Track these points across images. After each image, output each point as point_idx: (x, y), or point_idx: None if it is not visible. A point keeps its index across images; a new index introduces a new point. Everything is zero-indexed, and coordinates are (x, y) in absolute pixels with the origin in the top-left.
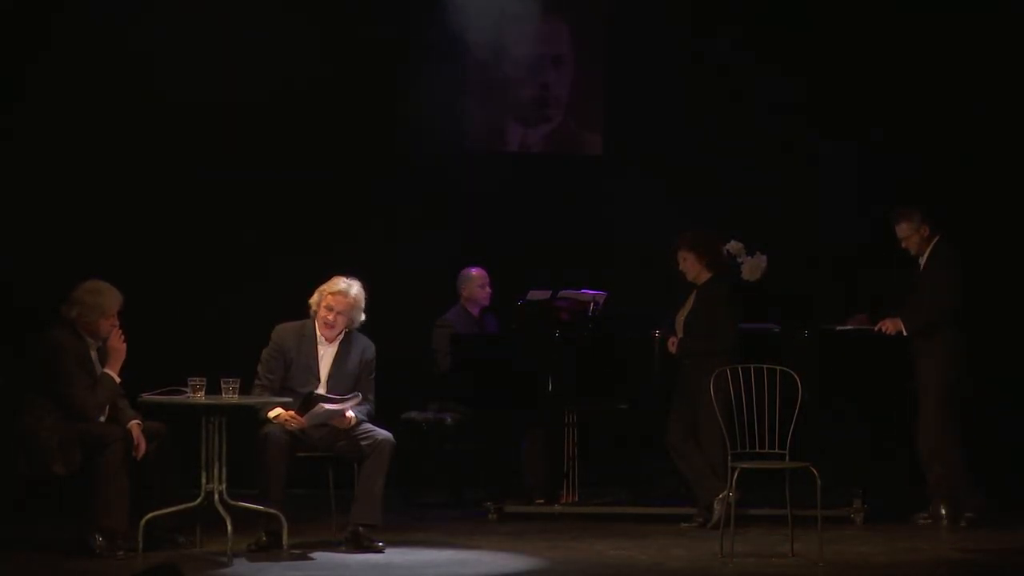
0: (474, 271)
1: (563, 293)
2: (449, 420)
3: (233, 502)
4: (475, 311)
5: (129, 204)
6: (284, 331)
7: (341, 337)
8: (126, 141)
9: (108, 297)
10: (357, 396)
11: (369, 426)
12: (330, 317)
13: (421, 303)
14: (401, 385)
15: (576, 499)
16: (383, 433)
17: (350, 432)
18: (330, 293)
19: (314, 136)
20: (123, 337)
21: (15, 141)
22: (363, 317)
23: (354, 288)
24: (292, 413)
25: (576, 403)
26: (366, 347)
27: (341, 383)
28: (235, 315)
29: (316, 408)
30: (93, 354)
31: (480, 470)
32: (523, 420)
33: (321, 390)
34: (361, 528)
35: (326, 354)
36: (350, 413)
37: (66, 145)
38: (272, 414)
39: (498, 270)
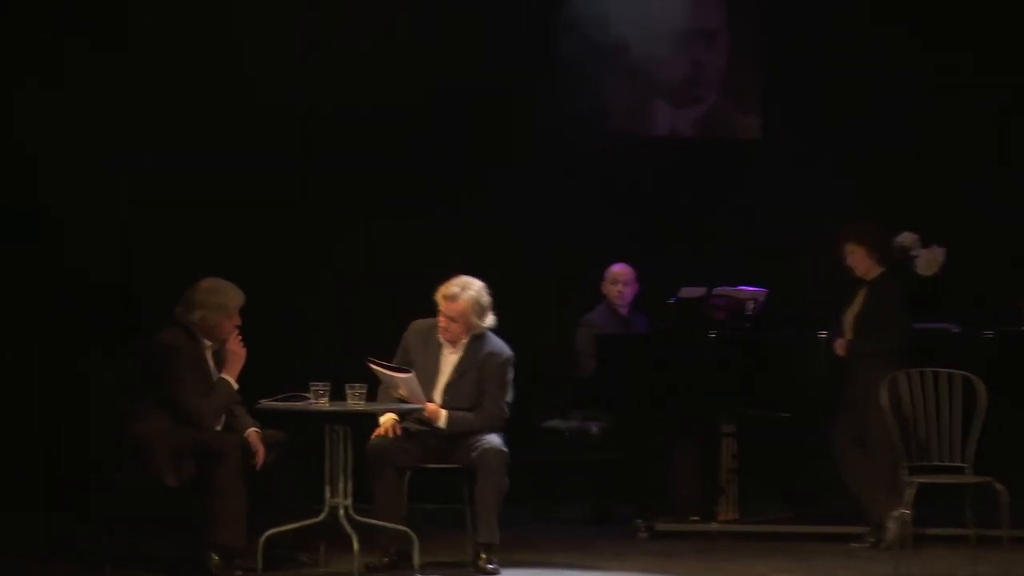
0: (615, 268)
1: (719, 290)
2: (594, 429)
3: (360, 518)
4: (622, 310)
5: (235, 197)
6: (415, 329)
7: (466, 341)
8: (226, 133)
9: (231, 296)
10: (410, 372)
11: (485, 436)
12: (442, 323)
13: (562, 301)
14: (542, 391)
15: (734, 516)
16: (491, 440)
17: (462, 441)
18: (442, 296)
19: (444, 124)
20: (242, 340)
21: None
22: (490, 320)
23: (468, 292)
24: (392, 420)
25: (734, 411)
26: (493, 352)
27: (462, 392)
28: (353, 314)
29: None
30: (208, 357)
31: (628, 483)
32: (676, 429)
33: (436, 398)
34: (478, 548)
35: (448, 359)
36: (433, 407)
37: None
38: (383, 421)
39: (645, 265)
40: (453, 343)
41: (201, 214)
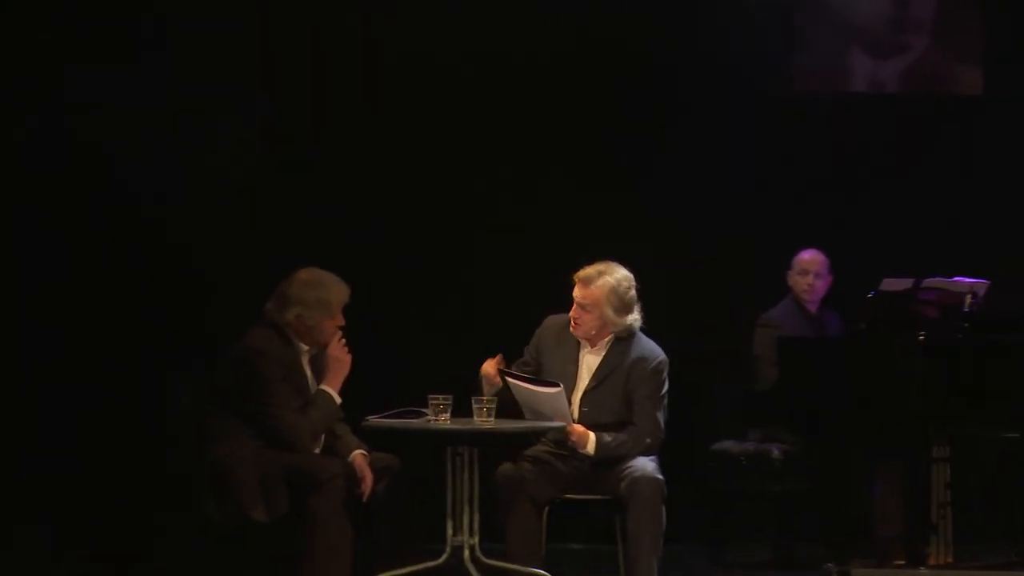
0: (805, 255)
1: (928, 282)
2: (776, 452)
3: (489, 560)
4: (812, 306)
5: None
6: (549, 325)
7: (609, 341)
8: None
9: (333, 291)
10: (558, 387)
11: (636, 462)
12: (573, 312)
13: (734, 296)
14: (710, 406)
15: (948, 559)
16: (644, 467)
17: (610, 467)
18: (576, 279)
19: (591, 87)
20: (346, 344)
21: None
22: (631, 319)
23: (606, 278)
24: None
25: (948, 430)
26: (644, 357)
27: (602, 402)
28: (482, 315)
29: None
30: (306, 364)
31: (817, 519)
32: (876, 453)
33: (572, 409)
34: None
35: (587, 362)
36: (582, 430)
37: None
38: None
39: (838, 252)
40: (591, 343)
41: (288, 199)
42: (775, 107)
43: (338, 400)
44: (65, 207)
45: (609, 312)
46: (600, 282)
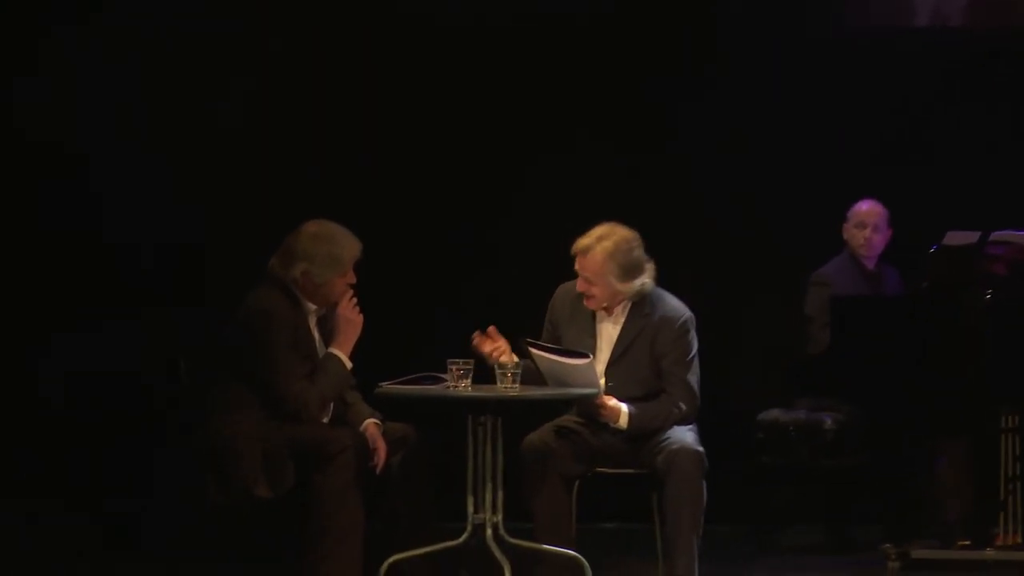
0: (862, 206)
1: (997, 235)
2: (828, 423)
3: (514, 540)
4: (869, 262)
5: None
6: (561, 295)
7: (626, 307)
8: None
9: (345, 245)
10: (588, 357)
11: (673, 432)
12: (580, 286)
13: (786, 250)
14: (756, 372)
15: (1017, 539)
16: (682, 439)
17: (646, 439)
18: (575, 251)
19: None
20: (358, 304)
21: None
22: (640, 282)
23: (604, 243)
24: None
25: (1018, 399)
26: (666, 315)
27: (628, 374)
28: (505, 276)
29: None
30: (313, 326)
31: (873, 497)
32: (939, 424)
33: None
34: None
35: (606, 332)
36: (614, 402)
37: None
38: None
39: (899, 203)
40: (608, 311)
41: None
42: (827, 47)
43: (348, 364)
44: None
45: (613, 281)
46: (598, 249)
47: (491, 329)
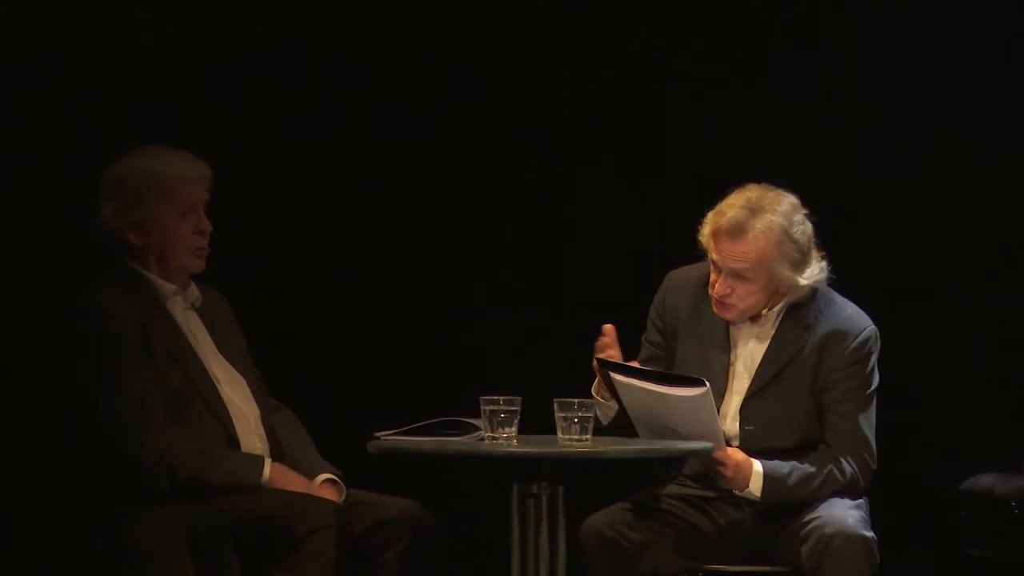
0: None
1: None
2: None
3: None
4: None
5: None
6: (677, 287)
7: (781, 312)
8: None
9: (172, 160)
10: (703, 386)
11: (829, 508)
12: (718, 286)
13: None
14: (959, 422)
15: None
16: (841, 519)
17: (784, 520)
18: (714, 230)
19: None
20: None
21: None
22: (811, 272)
23: (768, 215)
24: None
25: None
26: (841, 331)
27: (776, 416)
28: (556, 293)
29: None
30: (182, 318)
31: None
32: None
33: (725, 421)
34: None
35: (746, 347)
36: (742, 457)
37: None
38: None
39: None
40: (754, 316)
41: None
42: None
43: (264, 478)
44: None
45: (784, 270)
46: (761, 226)
47: (607, 328)
